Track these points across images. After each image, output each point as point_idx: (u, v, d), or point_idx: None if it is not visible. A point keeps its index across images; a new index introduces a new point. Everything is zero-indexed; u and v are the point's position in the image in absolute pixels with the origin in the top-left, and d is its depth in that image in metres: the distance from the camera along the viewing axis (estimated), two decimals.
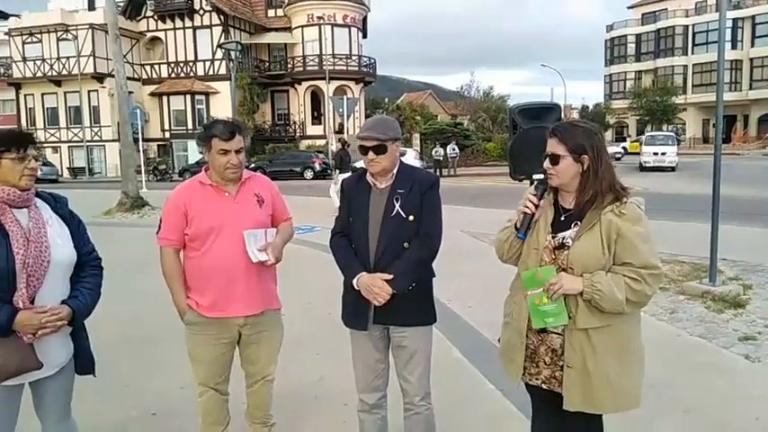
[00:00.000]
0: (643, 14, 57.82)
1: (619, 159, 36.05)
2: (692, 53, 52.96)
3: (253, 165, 31.71)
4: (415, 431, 2.77)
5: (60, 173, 37.30)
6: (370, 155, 2.63)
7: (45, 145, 39.72)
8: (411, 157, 29.28)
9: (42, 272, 2.21)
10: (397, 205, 2.63)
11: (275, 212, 2.93)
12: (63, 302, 2.29)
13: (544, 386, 2.30)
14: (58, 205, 2.44)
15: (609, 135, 44.03)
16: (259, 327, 2.85)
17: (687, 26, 53.44)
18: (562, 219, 2.27)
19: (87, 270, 2.44)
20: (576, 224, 2.22)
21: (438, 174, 29.09)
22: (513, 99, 55.86)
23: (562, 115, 4.95)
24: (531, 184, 2.32)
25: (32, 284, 2.19)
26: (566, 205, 2.30)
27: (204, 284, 2.75)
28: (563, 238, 2.23)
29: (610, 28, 59.71)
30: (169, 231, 2.78)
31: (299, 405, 3.82)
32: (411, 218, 2.63)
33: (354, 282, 2.62)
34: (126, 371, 4.40)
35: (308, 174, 29.88)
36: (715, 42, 43.72)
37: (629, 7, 60.55)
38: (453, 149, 30.74)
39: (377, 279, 2.57)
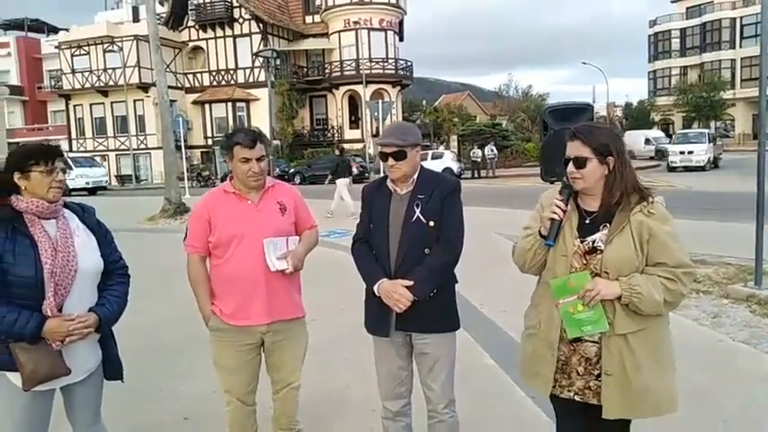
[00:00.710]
0: (687, 8, 56.04)
1: None
2: (740, 46, 51.03)
3: (292, 170, 32.13)
4: None
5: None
6: (390, 161, 2.62)
7: (94, 154, 41.20)
8: (448, 159, 29.18)
9: (69, 281, 2.28)
10: (418, 211, 2.61)
11: (298, 220, 2.95)
12: (90, 310, 2.35)
13: (577, 398, 2.23)
14: (86, 215, 2.50)
15: (655, 132, 42.19)
16: (281, 334, 2.86)
17: (735, 19, 51.54)
18: (587, 222, 2.22)
19: (114, 278, 2.51)
20: (605, 226, 2.17)
21: (477, 175, 29.04)
22: (552, 98, 55.22)
23: (594, 115, 4.85)
24: (563, 186, 2.27)
25: (60, 293, 2.26)
26: (588, 208, 2.24)
27: (227, 291, 2.79)
28: (593, 242, 2.18)
29: (653, 23, 58.12)
30: (194, 239, 2.83)
31: (327, 410, 3.83)
32: (432, 223, 2.61)
33: (375, 288, 2.62)
34: (161, 375, 4.50)
35: None
36: None
37: (672, 1, 58.90)
38: (491, 150, 30.45)
39: (397, 285, 2.56)
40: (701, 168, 25.79)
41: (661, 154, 34.55)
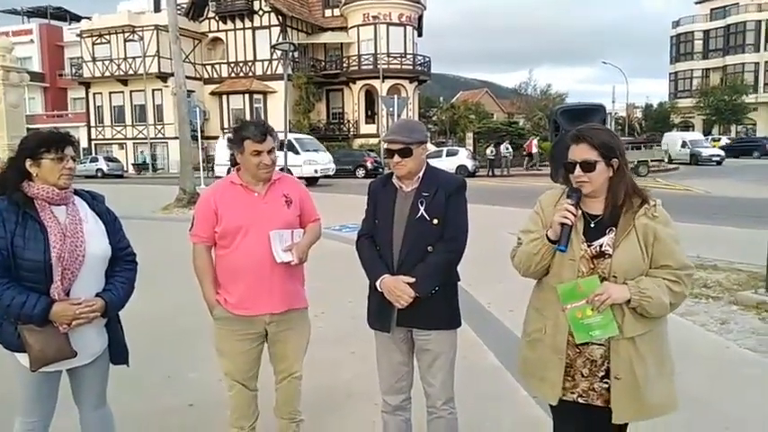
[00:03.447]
0: (712, 9, 55.34)
1: (719, 164, 32.73)
2: (765, 50, 50.32)
3: None
4: None
5: (125, 168, 38.94)
6: (396, 158, 2.64)
7: (112, 142, 41.70)
8: (463, 157, 29.10)
9: (77, 266, 2.34)
10: (422, 208, 2.63)
11: (303, 213, 2.98)
12: (97, 295, 2.41)
13: (581, 400, 2.22)
14: (95, 202, 2.56)
15: (692, 135, 40.54)
16: (284, 325, 2.90)
17: (760, 21, 50.82)
18: (592, 226, 2.19)
19: (122, 265, 2.56)
20: (612, 230, 2.15)
21: (491, 173, 28.93)
22: (571, 97, 54.73)
23: (606, 117, 4.83)
24: (571, 190, 2.24)
25: (67, 277, 2.31)
26: (591, 211, 2.21)
27: (231, 282, 2.84)
28: (600, 246, 2.15)
29: (676, 24, 57.47)
30: (200, 229, 2.87)
31: (330, 402, 3.87)
32: (435, 221, 2.62)
33: (377, 284, 2.64)
34: (168, 362, 4.57)
35: (360, 172, 30.06)
36: None
37: (696, 2, 58.11)
38: (507, 149, 30.32)
39: (399, 281, 2.58)
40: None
41: (695, 158, 33.62)
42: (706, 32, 54.98)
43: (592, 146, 2.14)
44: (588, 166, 2.13)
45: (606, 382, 2.17)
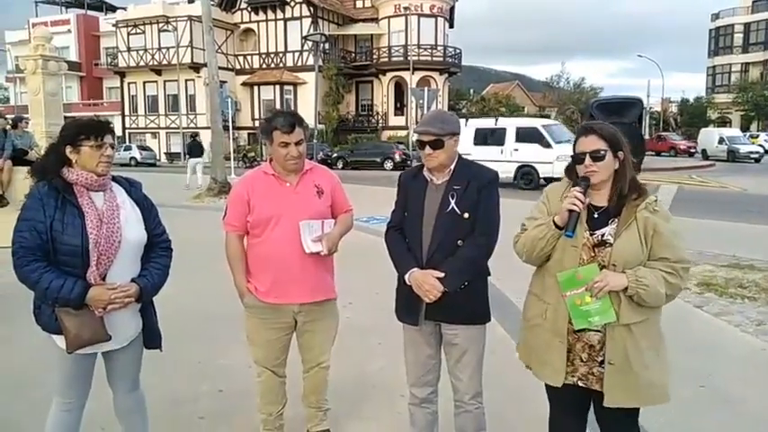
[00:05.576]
0: (753, 2, 53.43)
1: (758, 161, 31.54)
2: None
3: (335, 154, 32.29)
4: (465, 429, 2.77)
5: (158, 157, 39.58)
6: (427, 149, 2.61)
7: (145, 131, 42.44)
8: None
9: (113, 251, 2.38)
10: (453, 202, 2.60)
11: (335, 204, 2.99)
12: (132, 280, 2.46)
13: (580, 383, 2.31)
14: (132, 189, 2.60)
15: (731, 131, 38.99)
16: (313, 315, 2.93)
17: None
18: (596, 216, 2.29)
19: (157, 251, 2.60)
20: (614, 221, 2.25)
21: None
22: (606, 91, 53.73)
23: (644, 110, 4.72)
24: (581, 179, 2.34)
25: (103, 262, 2.36)
26: (595, 203, 2.32)
27: (262, 270, 2.87)
28: (602, 236, 2.26)
29: (715, 17, 55.81)
30: (233, 218, 2.91)
31: (357, 393, 3.89)
32: (466, 215, 2.59)
33: (406, 277, 2.63)
34: (200, 348, 4.64)
35: (388, 164, 30.01)
36: None
37: None
38: None
39: (428, 276, 2.56)
40: None
41: (733, 155, 32.50)
42: (747, 25, 53.28)
43: (601, 137, 2.27)
44: (599, 156, 2.25)
45: (605, 368, 2.26)
